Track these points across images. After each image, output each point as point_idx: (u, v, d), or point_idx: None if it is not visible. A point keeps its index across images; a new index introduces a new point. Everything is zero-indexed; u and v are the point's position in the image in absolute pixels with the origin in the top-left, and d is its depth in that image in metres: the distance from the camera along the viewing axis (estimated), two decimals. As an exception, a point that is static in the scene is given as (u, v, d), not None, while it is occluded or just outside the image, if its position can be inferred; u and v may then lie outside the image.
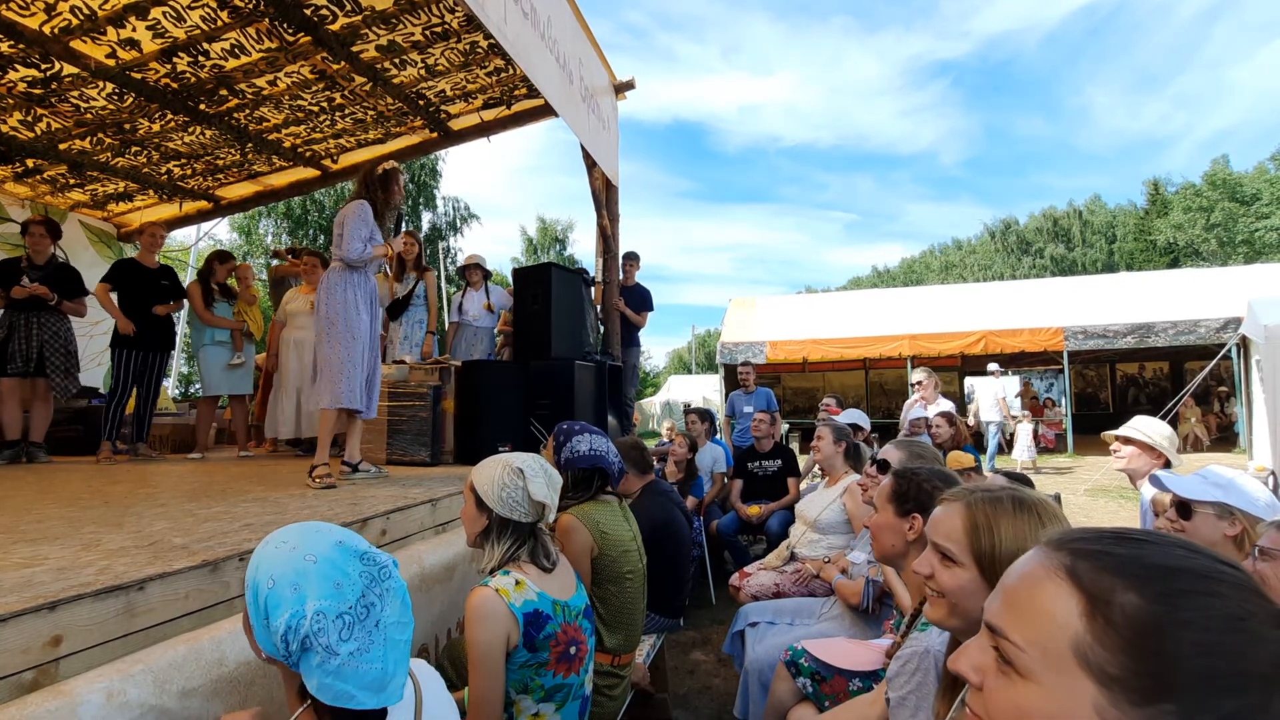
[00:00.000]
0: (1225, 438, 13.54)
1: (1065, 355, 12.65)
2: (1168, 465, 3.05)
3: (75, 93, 5.25)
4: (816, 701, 2.05)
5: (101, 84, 5.14)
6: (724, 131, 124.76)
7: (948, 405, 5.60)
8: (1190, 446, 12.54)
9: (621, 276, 6.57)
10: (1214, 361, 10.59)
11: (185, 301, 5.53)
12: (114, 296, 4.98)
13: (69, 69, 4.90)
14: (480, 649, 1.51)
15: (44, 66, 4.86)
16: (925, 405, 5.63)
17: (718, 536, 5.01)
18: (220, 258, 5.76)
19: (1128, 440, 3.18)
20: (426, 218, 27.20)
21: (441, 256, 23.97)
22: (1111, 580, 0.56)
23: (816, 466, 4.53)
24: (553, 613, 1.62)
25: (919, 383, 5.89)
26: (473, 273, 6.14)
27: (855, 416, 4.91)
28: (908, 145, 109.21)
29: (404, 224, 3.83)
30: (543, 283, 5.00)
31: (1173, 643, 0.52)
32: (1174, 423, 3.11)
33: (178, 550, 1.84)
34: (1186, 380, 13.63)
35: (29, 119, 5.57)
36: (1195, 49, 79.16)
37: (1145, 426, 3.16)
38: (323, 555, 1.08)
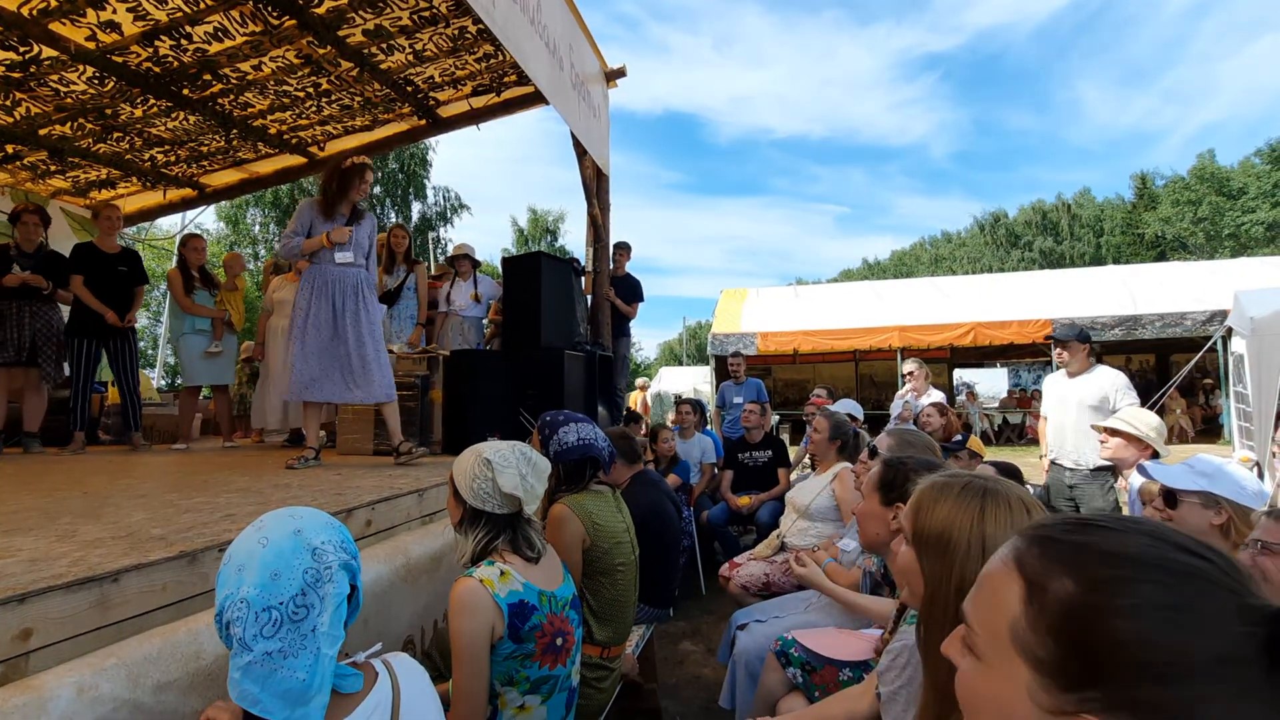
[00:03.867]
0: (1210, 429, 13.68)
1: (1053, 347, 12.72)
2: (1155, 456, 3.07)
3: (55, 77, 5.13)
4: (806, 692, 2.04)
5: (82, 68, 5.03)
6: (715, 123, 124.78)
7: (938, 396, 5.62)
8: (1175, 438, 12.65)
9: (612, 266, 6.53)
10: (1200, 354, 10.67)
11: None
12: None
13: (48, 52, 4.78)
14: (464, 640, 1.49)
15: (22, 49, 4.74)
16: (917, 396, 5.65)
17: (708, 527, 5.01)
18: (183, 242, 5.71)
19: (1114, 432, 3.20)
20: (416, 208, 27.02)
21: (431, 247, 23.80)
22: (1051, 567, 0.57)
23: (807, 457, 4.53)
24: (539, 603, 1.59)
25: (910, 374, 5.91)
26: (461, 263, 6.09)
27: (849, 406, 4.92)
28: (899, 138, 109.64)
29: (367, 216, 3.93)
30: (532, 272, 4.95)
31: (1100, 629, 0.52)
32: (1159, 414, 3.17)
33: (155, 541, 1.80)
34: (1173, 372, 13.73)
35: (7, 103, 5.45)
36: (1184, 44, 79.73)
37: (1132, 418, 3.18)
38: (274, 540, 1.03)
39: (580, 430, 2.32)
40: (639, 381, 16.49)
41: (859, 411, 5.02)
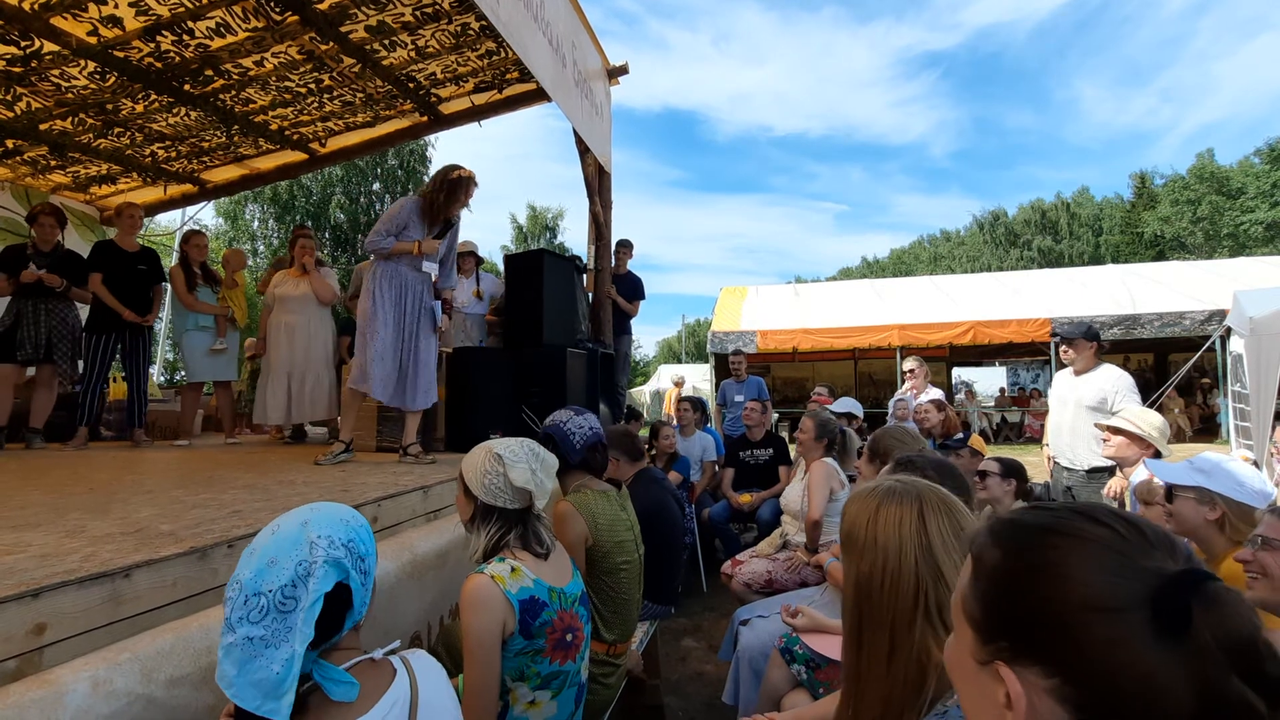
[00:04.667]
0: (1207, 428, 13.71)
1: (1052, 346, 12.74)
2: (1157, 455, 3.08)
3: (56, 71, 5.11)
4: (811, 689, 2.05)
5: (83, 63, 5.01)
6: (715, 120, 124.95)
7: (937, 394, 5.64)
8: (1173, 437, 12.64)
9: (614, 264, 6.53)
10: (1198, 354, 10.70)
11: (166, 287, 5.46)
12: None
13: (49, 46, 4.77)
14: (476, 637, 1.49)
15: (23, 44, 4.72)
16: (916, 394, 5.66)
17: (709, 524, 5.02)
18: (185, 238, 5.72)
19: (1117, 430, 3.21)
20: (415, 204, 26.93)
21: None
22: (988, 542, 0.66)
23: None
24: (549, 600, 1.60)
25: (910, 371, 5.92)
26: (465, 260, 6.08)
27: (849, 405, 4.92)
28: (898, 136, 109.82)
29: (456, 228, 3.98)
30: (535, 270, 4.95)
31: (1007, 588, 0.62)
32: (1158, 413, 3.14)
33: (165, 537, 1.80)
34: (1171, 372, 13.76)
35: (8, 98, 5.43)
36: (1182, 43, 79.95)
37: (1135, 417, 3.19)
38: (283, 528, 1.05)
39: (555, 415, 2.40)
40: (674, 378, 16.36)
41: (859, 410, 5.03)
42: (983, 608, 0.64)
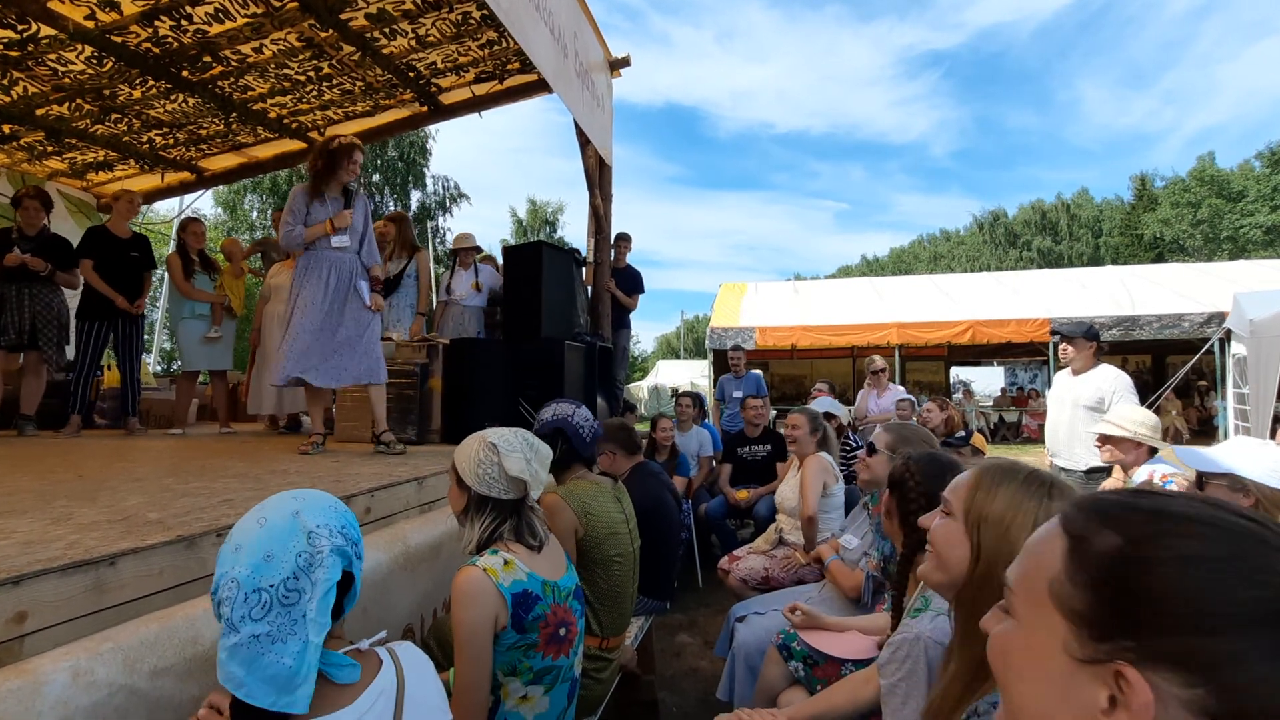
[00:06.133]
0: (1205, 430, 13.72)
1: (1051, 346, 12.71)
2: (1153, 453, 3.04)
3: (53, 56, 5.07)
4: (808, 685, 2.03)
5: (80, 47, 4.97)
6: (716, 117, 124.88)
7: (896, 390, 5.65)
8: (1170, 439, 12.67)
9: (613, 257, 6.49)
10: (1197, 356, 10.68)
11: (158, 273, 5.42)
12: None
13: (46, 30, 4.72)
14: (467, 630, 1.46)
15: (20, 27, 4.68)
16: (880, 395, 5.66)
17: (705, 520, 5.00)
18: (182, 226, 5.67)
19: (1107, 437, 3.16)
20: (415, 196, 26.85)
21: (430, 236, 23.67)
22: (1095, 524, 0.58)
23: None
24: (542, 593, 1.57)
25: (881, 371, 5.92)
26: (467, 255, 6.03)
27: (828, 405, 4.89)
28: (899, 135, 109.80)
29: (360, 199, 3.83)
30: (533, 262, 4.92)
31: (1140, 580, 0.53)
32: (1155, 415, 3.10)
33: (152, 525, 1.77)
34: (1169, 373, 13.76)
35: (4, 83, 5.38)
36: (1185, 45, 79.94)
37: (1118, 418, 3.12)
38: (272, 520, 1.01)
39: (558, 409, 2.37)
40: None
41: (838, 410, 5.00)
42: (1097, 599, 0.55)
